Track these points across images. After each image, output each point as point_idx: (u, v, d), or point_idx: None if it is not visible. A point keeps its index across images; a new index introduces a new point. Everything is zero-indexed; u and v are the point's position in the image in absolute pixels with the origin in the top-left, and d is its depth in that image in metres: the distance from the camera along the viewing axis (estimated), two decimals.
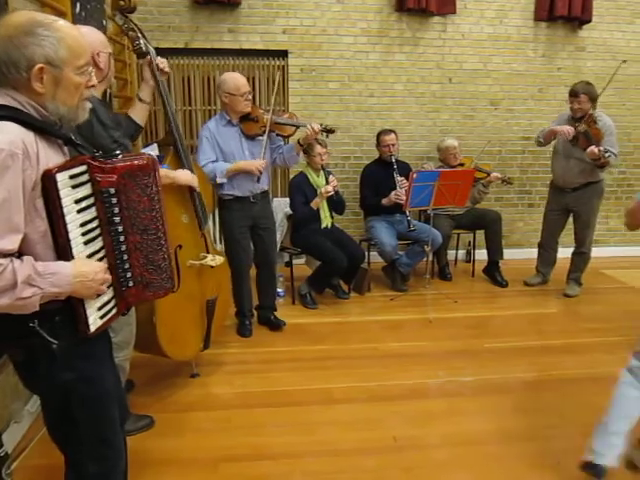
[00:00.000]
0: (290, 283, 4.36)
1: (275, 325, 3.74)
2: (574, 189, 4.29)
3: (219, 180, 3.29)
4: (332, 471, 2.28)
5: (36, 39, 1.23)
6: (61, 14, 2.87)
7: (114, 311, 1.48)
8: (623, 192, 5.76)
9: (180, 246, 2.58)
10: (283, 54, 5.01)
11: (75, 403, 1.44)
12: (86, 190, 1.36)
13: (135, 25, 2.63)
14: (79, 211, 1.34)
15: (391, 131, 4.58)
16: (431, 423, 2.63)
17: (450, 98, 5.30)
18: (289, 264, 4.36)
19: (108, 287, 1.44)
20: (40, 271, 1.23)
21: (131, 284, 1.51)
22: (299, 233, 4.19)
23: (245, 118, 3.42)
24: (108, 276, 1.40)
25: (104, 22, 3.59)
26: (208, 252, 2.87)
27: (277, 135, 3.60)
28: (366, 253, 4.50)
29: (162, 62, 2.65)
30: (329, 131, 3.67)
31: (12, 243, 1.19)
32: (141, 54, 2.63)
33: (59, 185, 1.27)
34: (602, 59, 5.37)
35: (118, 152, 1.47)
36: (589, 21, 5.20)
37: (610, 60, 5.38)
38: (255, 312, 3.82)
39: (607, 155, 3.93)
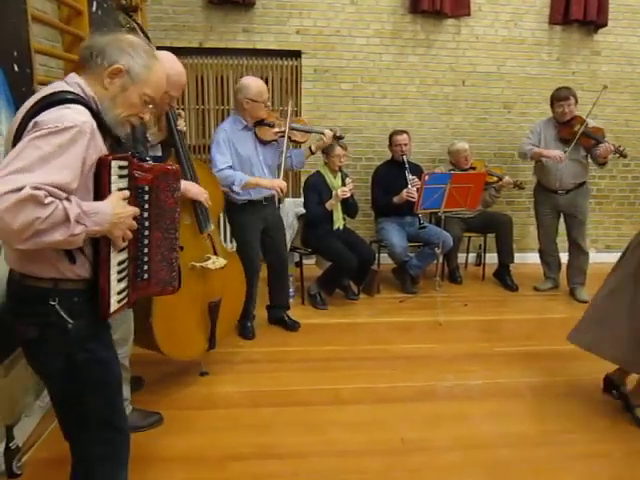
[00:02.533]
0: (300, 283, 4.36)
1: (290, 326, 3.74)
2: (567, 191, 4.29)
3: (235, 189, 3.24)
4: (339, 471, 2.28)
5: (133, 52, 1.47)
6: (78, 12, 2.90)
7: (125, 300, 1.54)
8: (636, 198, 5.70)
9: (181, 247, 2.56)
10: (296, 54, 5.02)
11: (86, 385, 1.48)
12: (125, 183, 1.47)
13: (138, 25, 2.63)
14: None
15: (404, 132, 4.58)
16: (439, 426, 2.62)
17: (463, 101, 5.29)
18: (299, 264, 4.36)
19: (124, 278, 1.51)
20: (86, 210, 1.32)
21: (146, 277, 1.60)
22: (310, 233, 4.20)
23: (259, 123, 3.40)
24: (134, 223, 1.48)
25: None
26: (216, 253, 2.86)
27: (291, 141, 3.60)
28: (376, 255, 4.49)
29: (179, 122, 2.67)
30: (339, 137, 3.72)
31: (70, 184, 1.28)
32: None
33: (112, 170, 1.40)
34: (617, 63, 5.34)
35: (148, 158, 1.59)
36: (605, 25, 5.17)
37: (626, 65, 5.37)
38: (266, 311, 3.83)
39: (622, 148, 3.98)
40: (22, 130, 1.30)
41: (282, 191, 3.31)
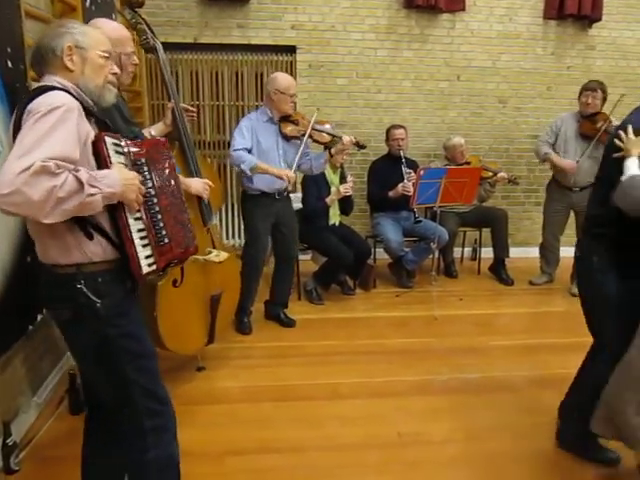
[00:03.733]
0: (296, 278, 4.36)
1: (285, 323, 3.76)
2: (582, 189, 4.28)
3: (243, 167, 3.25)
4: (337, 465, 2.29)
5: (66, 29, 1.56)
6: (72, 8, 2.89)
7: (154, 267, 1.63)
8: None
9: None
10: (291, 50, 5.01)
11: (122, 357, 1.60)
12: (123, 159, 1.58)
13: (143, 20, 2.64)
14: None
15: (401, 126, 4.60)
16: (435, 419, 2.64)
17: (458, 95, 5.29)
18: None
19: (148, 245, 1.61)
20: (95, 175, 1.43)
21: (167, 240, 1.69)
22: (306, 229, 4.19)
23: (285, 119, 3.47)
24: (140, 186, 1.58)
25: (113, 16, 3.60)
26: (214, 247, 2.89)
27: (313, 141, 3.62)
28: (372, 249, 4.50)
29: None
30: (361, 146, 3.80)
31: (72, 152, 1.39)
32: (148, 49, 2.67)
33: (108, 146, 1.51)
34: (612, 58, 5.35)
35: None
36: (599, 19, 5.17)
37: (620, 59, 5.37)
38: (263, 306, 3.84)
39: None
40: (19, 122, 1.41)
41: (290, 182, 3.35)
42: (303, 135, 3.46)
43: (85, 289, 1.51)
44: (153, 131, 2.63)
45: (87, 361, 1.68)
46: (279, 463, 2.31)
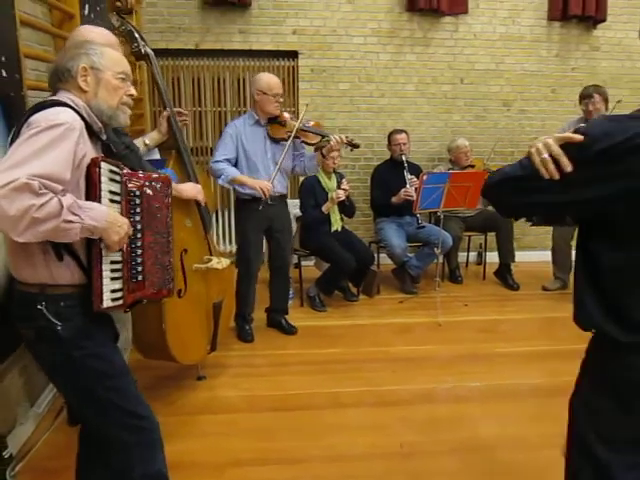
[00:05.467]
0: (299, 285, 4.33)
1: (287, 330, 3.72)
2: None
3: (220, 182, 3.30)
4: (339, 476, 2.25)
5: (84, 50, 1.57)
6: (70, 16, 2.88)
7: (120, 302, 1.59)
8: None
9: (185, 250, 2.57)
10: (293, 55, 5.00)
11: (88, 378, 1.55)
12: (117, 187, 1.55)
13: (133, 27, 2.60)
14: (110, 201, 1.53)
15: (402, 131, 4.57)
16: (439, 429, 2.58)
17: (462, 99, 5.25)
18: (298, 266, 4.33)
19: (119, 278, 1.57)
20: (80, 204, 1.40)
21: (140, 278, 1.65)
22: (308, 235, 4.18)
23: (273, 121, 3.43)
24: (130, 231, 1.56)
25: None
26: (211, 254, 2.86)
27: (302, 142, 3.57)
28: (375, 255, 4.46)
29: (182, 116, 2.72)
30: (354, 145, 3.65)
31: (62, 174, 1.36)
32: (140, 57, 2.62)
33: (102, 172, 1.48)
34: (617, 59, 5.30)
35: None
36: (603, 20, 5.14)
37: (626, 60, 5.32)
38: (265, 314, 3.81)
39: None
40: (19, 132, 1.40)
41: (265, 194, 3.27)
42: (290, 136, 3.41)
43: (45, 311, 1.47)
44: (147, 140, 2.59)
45: (57, 380, 1.66)
46: (280, 474, 2.27)
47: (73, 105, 1.49)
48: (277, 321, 3.75)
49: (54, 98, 1.51)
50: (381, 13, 4.98)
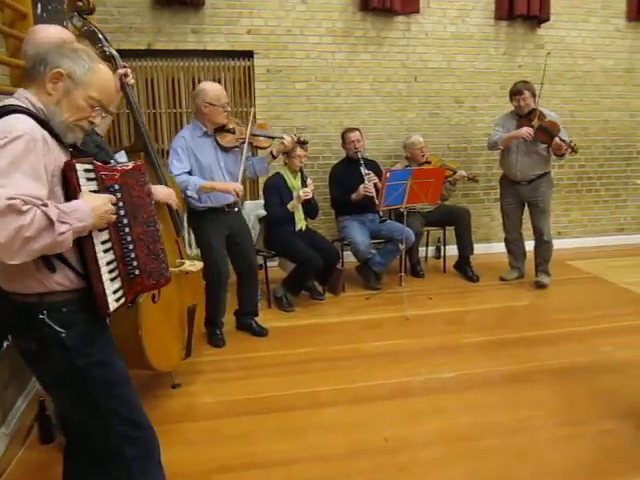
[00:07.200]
0: (265, 286, 4.31)
1: (258, 332, 3.68)
2: (530, 181, 4.42)
3: (189, 194, 3.19)
4: (326, 476, 2.26)
5: (75, 56, 1.46)
6: (23, 16, 2.75)
7: (122, 300, 1.58)
8: (583, 185, 5.94)
9: None
10: (249, 55, 4.95)
11: (93, 387, 1.52)
12: (95, 186, 1.50)
13: (95, 27, 2.52)
14: None
15: (355, 129, 4.62)
16: (419, 421, 2.64)
17: (416, 97, 5.35)
18: (263, 267, 4.30)
19: (117, 277, 1.55)
20: (64, 210, 1.34)
21: (137, 272, 1.63)
22: (273, 235, 4.16)
23: (220, 129, 3.34)
24: (113, 207, 1.50)
25: (65, 23, 3.45)
26: (182, 258, 2.81)
27: (254, 147, 3.54)
28: (340, 253, 4.49)
29: (127, 73, 2.58)
30: (303, 142, 3.69)
31: (39, 191, 1.30)
32: (104, 58, 2.54)
33: (79, 173, 1.43)
34: (560, 56, 5.53)
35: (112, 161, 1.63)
36: (547, 19, 5.34)
37: (568, 57, 5.56)
38: (234, 317, 3.76)
39: (573, 144, 4.11)
40: None
41: (238, 195, 3.27)
42: (242, 143, 3.37)
43: (48, 320, 1.43)
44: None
45: (58, 393, 1.61)
46: (266, 478, 2.25)
47: (30, 107, 1.39)
48: (247, 323, 3.71)
49: (6, 104, 1.38)
50: (335, 13, 5.01)
